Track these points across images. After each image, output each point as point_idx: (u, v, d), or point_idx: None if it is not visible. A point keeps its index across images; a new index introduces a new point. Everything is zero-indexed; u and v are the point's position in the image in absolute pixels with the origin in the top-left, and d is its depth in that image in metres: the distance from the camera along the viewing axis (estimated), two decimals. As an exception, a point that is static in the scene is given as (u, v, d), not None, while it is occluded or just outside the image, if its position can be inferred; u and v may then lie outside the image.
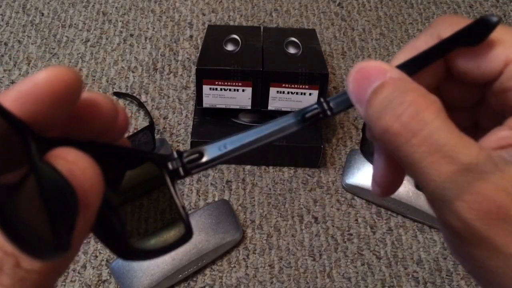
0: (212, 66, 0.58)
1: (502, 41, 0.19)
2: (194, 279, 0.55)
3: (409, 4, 0.85)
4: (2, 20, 0.80)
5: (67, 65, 0.75)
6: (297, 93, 0.60)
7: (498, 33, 0.19)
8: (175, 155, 0.19)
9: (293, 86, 0.59)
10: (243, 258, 0.57)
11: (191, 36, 0.79)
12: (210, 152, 0.20)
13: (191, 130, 0.64)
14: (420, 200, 0.58)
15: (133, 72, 0.74)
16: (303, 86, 0.59)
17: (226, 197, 0.61)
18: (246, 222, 0.59)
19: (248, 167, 0.64)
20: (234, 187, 0.62)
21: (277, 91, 0.60)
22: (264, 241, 0.58)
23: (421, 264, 0.57)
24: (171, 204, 0.19)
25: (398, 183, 0.23)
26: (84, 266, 0.55)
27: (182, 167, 0.19)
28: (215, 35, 0.65)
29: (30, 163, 0.13)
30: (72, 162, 0.14)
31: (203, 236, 0.54)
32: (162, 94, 0.71)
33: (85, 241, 0.57)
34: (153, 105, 0.70)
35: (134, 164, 0.20)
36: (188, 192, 0.61)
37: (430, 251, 0.57)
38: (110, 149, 0.18)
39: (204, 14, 0.82)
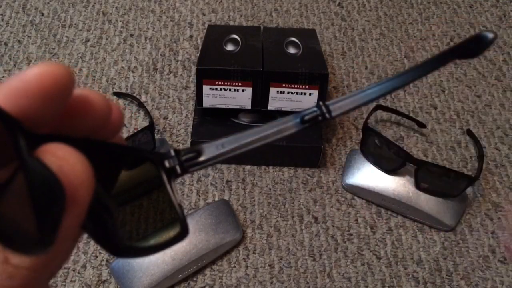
0: (212, 66, 0.58)
1: None
2: (194, 279, 0.55)
3: (409, 4, 0.85)
4: (2, 20, 0.80)
5: (67, 65, 0.75)
6: (297, 93, 0.60)
7: None
8: (173, 153, 0.19)
9: (293, 86, 0.59)
10: (243, 258, 0.57)
11: (191, 36, 0.79)
12: (207, 151, 0.20)
13: (191, 130, 0.64)
14: (420, 200, 0.58)
15: (133, 72, 0.74)
16: (303, 86, 0.59)
17: (226, 197, 0.61)
18: (246, 222, 0.59)
19: (248, 167, 0.64)
20: (234, 187, 0.62)
21: (277, 91, 0.60)
22: (264, 241, 0.58)
23: (421, 264, 0.57)
24: (167, 202, 0.19)
25: None
26: (84, 266, 0.55)
27: (179, 165, 0.19)
28: (215, 35, 0.65)
29: (19, 158, 0.13)
30: (62, 158, 0.14)
31: (203, 236, 0.54)
32: (162, 94, 0.71)
33: (85, 241, 0.57)
34: (153, 105, 0.70)
35: (130, 162, 0.20)
36: (188, 192, 0.61)
37: (430, 251, 0.57)
38: (104, 147, 0.18)
39: (204, 14, 0.82)
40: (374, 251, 0.57)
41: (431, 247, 0.58)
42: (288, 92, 0.60)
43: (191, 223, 0.54)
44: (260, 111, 0.63)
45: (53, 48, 0.76)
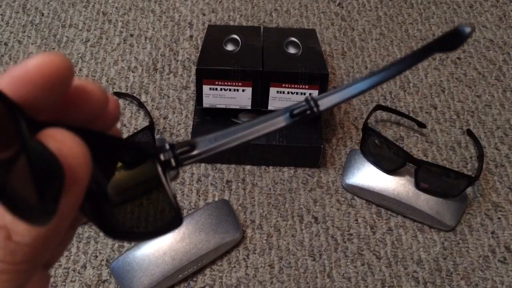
0: (212, 66, 0.58)
1: None
2: (194, 279, 0.55)
3: (409, 4, 0.85)
4: (2, 20, 0.80)
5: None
6: (297, 93, 0.60)
7: None
8: (167, 147, 0.20)
9: (293, 86, 0.59)
10: (243, 258, 0.57)
11: (191, 36, 0.79)
12: (201, 145, 0.21)
13: (191, 130, 0.64)
14: (420, 200, 0.58)
15: (133, 72, 0.74)
16: (303, 86, 0.59)
17: (226, 197, 0.61)
18: (246, 222, 0.59)
19: (248, 167, 0.64)
20: (234, 187, 0.62)
21: (277, 91, 0.60)
22: (264, 241, 0.58)
23: (421, 264, 0.57)
24: (163, 193, 0.20)
25: None
26: (84, 266, 0.55)
27: (174, 158, 0.20)
28: (215, 35, 0.65)
29: (21, 140, 0.14)
30: (61, 141, 0.15)
31: (203, 236, 0.54)
32: (162, 94, 0.71)
33: (85, 241, 0.57)
34: (153, 105, 0.70)
35: (127, 154, 0.20)
36: (188, 192, 0.61)
37: (430, 251, 0.57)
38: (101, 137, 0.19)
39: (204, 14, 0.82)
40: (374, 251, 0.57)
41: (431, 247, 0.58)
42: (288, 92, 0.60)
43: (191, 223, 0.54)
44: (260, 111, 0.63)
45: (53, 48, 0.76)
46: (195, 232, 0.54)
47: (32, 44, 0.77)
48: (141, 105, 0.69)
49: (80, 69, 0.74)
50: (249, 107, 0.61)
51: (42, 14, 0.81)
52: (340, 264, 0.56)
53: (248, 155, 0.63)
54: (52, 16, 0.81)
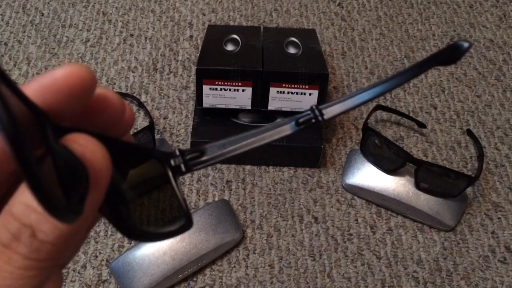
0: (212, 66, 0.58)
1: None
2: (194, 279, 0.55)
3: (409, 4, 0.85)
4: (2, 20, 0.80)
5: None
6: (297, 93, 0.60)
7: None
8: (177, 152, 0.21)
9: (293, 86, 0.59)
10: (243, 258, 0.57)
11: (191, 36, 0.79)
12: (210, 151, 0.21)
13: (191, 130, 0.64)
14: (420, 200, 0.58)
15: (133, 72, 0.74)
16: (303, 86, 0.59)
17: (226, 197, 0.61)
18: (246, 222, 0.59)
19: (248, 167, 0.64)
20: (234, 187, 0.62)
21: (277, 91, 0.60)
22: (264, 241, 0.58)
23: (421, 264, 0.57)
24: (173, 197, 0.21)
25: None
26: (84, 266, 0.55)
27: (183, 164, 0.21)
28: (215, 35, 0.65)
29: (46, 143, 0.15)
30: (84, 145, 0.16)
31: (203, 236, 0.54)
32: (162, 94, 0.71)
33: (85, 241, 0.57)
34: (153, 105, 0.70)
35: (139, 159, 0.21)
36: (188, 192, 0.61)
37: (430, 251, 0.57)
38: (116, 143, 0.20)
39: (204, 14, 0.82)
40: (374, 251, 0.57)
41: (431, 247, 0.58)
42: (288, 92, 0.60)
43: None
44: (260, 111, 0.63)
45: (53, 48, 0.76)
46: (195, 232, 0.54)
47: (32, 44, 0.77)
48: (141, 105, 0.69)
49: (80, 69, 0.74)
50: (249, 107, 0.61)
51: (42, 14, 0.81)
52: (340, 264, 0.56)
53: (248, 155, 0.63)
54: (52, 16, 0.81)
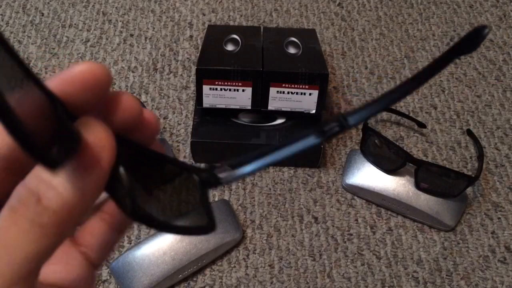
0: (212, 66, 0.58)
1: None
2: (194, 279, 0.55)
3: (409, 4, 0.85)
4: (2, 20, 0.80)
5: (66, 65, 0.75)
6: (297, 93, 0.60)
7: None
8: (208, 167, 0.22)
9: (293, 86, 0.59)
10: (243, 258, 0.57)
11: (191, 36, 0.79)
12: (240, 169, 0.22)
13: (191, 130, 0.64)
14: (420, 200, 0.58)
15: (133, 72, 0.74)
16: (303, 86, 0.59)
17: (226, 197, 0.61)
18: (246, 222, 0.59)
19: (248, 167, 0.64)
20: (234, 187, 0.62)
21: (277, 91, 0.60)
22: (264, 241, 0.58)
23: (421, 264, 0.57)
24: (199, 203, 0.22)
25: None
26: (84, 266, 0.55)
27: (214, 179, 0.22)
28: (215, 35, 0.65)
29: (58, 121, 0.17)
30: (91, 125, 0.17)
31: (203, 236, 0.54)
32: (162, 94, 0.71)
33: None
34: (153, 105, 0.70)
35: (168, 170, 0.22)
36: (188, 192, 0.61)
37: (430, 251, 0.57)
38: (141, 149, 0.21)
39: (204, 14, 0.82)
40: (374, 251, 0.57)
41: (431, 247, 0.58)
42: (288, 92, 0.60)
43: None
44: (260, 111, 0.63)
45: (53, 48, 0.76)
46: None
47: (32, 44, 0.77)
48: (141, 105, 0.68)
49: (80, 69, 0.74)
50: (249, 107, 0.61)
51: (42, 14, 0.81)
52: (340, 264, 0.56)
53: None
54: (52, 16, 0.81)
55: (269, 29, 0.68)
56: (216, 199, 0.61)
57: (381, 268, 0.56)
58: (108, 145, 0.17)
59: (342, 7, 0.84)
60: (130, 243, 0.57)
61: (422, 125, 0.67)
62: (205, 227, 0.21)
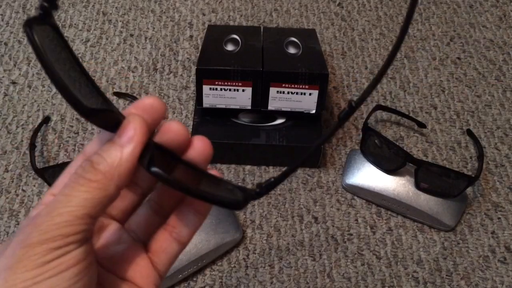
0: (212, 66, 0.58)
1: None
2: (194, 279, 0.55)
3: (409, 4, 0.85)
4: (2, 20, 0.80)
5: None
6: (297, 93, 0.60)
7: None
8: (258, 190, 0.26)
9: (293, 86, 0.59)
10: (243, 258, 0.57)
11: (191, 36, 0.79)
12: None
13: (191, 130, 0.64)
14: (420, 200, 0.58)
15: (133, 72, 0.74)
16: (303, 86, 0.59)
17: (226, 197, 0.61)
18: (246, 222, 0.59)
19: (248, 167, 0.64)
20: (234, 187, 0.62)
21: (277, 91, 0.60)
22: (264, 241, 0.58)
23: (421, 264, 0.57)
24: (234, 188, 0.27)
25: None
26: (84, 266, 0.55)
27: (257, 194, 0.26)
28: (215, 35, 0.65)
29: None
30: (131, 113, 0.25)
31: (203, 236, 0.54)
32: (162, 94, 0.71)
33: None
34: (153, 105, 0.70)
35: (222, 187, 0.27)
36: (188, 192, 0.61)
37: (430, 251, 0.57)
38: (187, 163, 0.27)
39: (204, 14, 0.82)
40: (374, 251, 0.57)
41: (431, 247, 0.58)
42: (288, 92, 0.60)
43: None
44: (260, 111, 0.63)
45: (53, 48, 0.76)
46: (195, 232, 0.54)
47: (32, 44, 0.77)
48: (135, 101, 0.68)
49: (80, 69, 0.74)
50: (249, 107, 0.61)
51: (42, 14, 0.81)
52: (340, 264, 0.56)
53: (248, 155, 0.63)
54: (52, 16, 0.81)
55: (269, 29, 0.68)
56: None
57: (381, 268, 0.56)
58: (139, 128, 0.24)
59: (342, 7, 0.84)
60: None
61: (422, 125, 0.67)
62: (233, 204, 0.25)
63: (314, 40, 0.65)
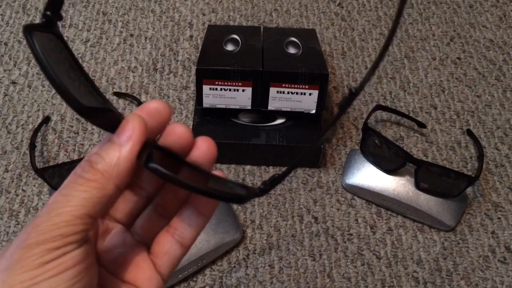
0: (212, 66, 0.58)
1: None
2: (194, 279, 0.55)
3: (409, 4, 0.85)
4: (2, 20, 0.80)
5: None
6: (297, 93, 0.60)
7: None
8: (262, 186, 0.26)
9: (293, 86, 0.59)
10: (243, 258, 0.57)
11: (191, 36, 0.79)
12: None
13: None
14: (420, 200, 0.58)
15: (133, 72, 0.74)
16: (303, 86, 0.59)
17: (226, 197, 0.61)
18: (246, 222, 0.59)
19: (248, 167, 0.64)
20: (234, 187, 0.62)
21: (277, 91, 0.60)
22: (264, 241, 0.58)
23: (421, 264, 0.57)
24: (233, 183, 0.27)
25: None
26: (84, 266, 0.55)
27: (262, 190, 0.26)
28: (215, 35, 0.65)
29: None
30: (132, 115, 0.25)
31: (203, 236, 0.54)
32: (162, 94, 0.71)
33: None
34: (153, 105, 0.70)
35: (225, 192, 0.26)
36: (188, 192, 0.61)
37: (430, 251, 0.57)
38: (190, 164, 0.27)
39: (204, 14, 0.82)
40: (374, 251, 0.57)
41: (431, 247, 0.58)
42: (288, 92, 0.60)
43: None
44: (260, 111, 0.63)
45: (53, 48, 0.76)
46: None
47: (32, 44, 0.77)
48: (141, 105, 0.69)
49: (80, 69, 0.74)
50: (249, 107, 0.61)
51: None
52: (340, 264, 0.56)
53: (248, 155, 0.63)
54: (52, 16, 0.81)
55: (269, 29, 0.68)
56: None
57: (381, 268, 0.56)
58: (137, 127, 0.24)
59: (342, 7, 0.84)
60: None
61: (422, 125, 0.67)
62: (237, 198, 0.25)
63: (314, 40, 0.65)
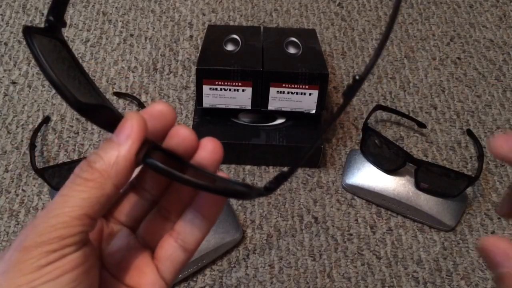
0: (212, 66, 0.58)
1: None
2: (194, 279, 0.55)
3: (409, 4, 0.85)
4: (2, 20, 0.80)
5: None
6: (297, 93, 0.60)
7: None
8: (267, 185, 0.26)
9: (293, 86, 0.59)
10: (243, 258, 0.57)
11: (191, 36, 0.79)
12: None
13: (191, 130, 0.64)
14: (420, 200, 0.58)
15: (133, 72, 0.74)
16: (303, 86, 0.59)
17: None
18: (246, 222, 0.59)
19: (248, 167, 0.64)
20: (234, 187, 0.62)
21: (277, 91, 0.60)
22: (264, 241, 0.58)
23: (421, 264, 0.57)
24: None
25: None
26: (84, 266, 0.55)
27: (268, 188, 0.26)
28: (215, 35, 0.65)
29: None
30: (131, 114, 0.24)
31: (203, 236, 0.54)
32: (162, 94, 0.71)
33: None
34: (153, 105, 0.70)
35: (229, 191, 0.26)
36: (188, 192, 0.61)
37: (430, 251, 0.57)
38: (193, 166, 0.26)
39: (204, 14, 0.82)
40: (374, 251, 0.57)
41: (431, 247, 0.58)
42: (288, 92, 0.60)
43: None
44: (260, 111, 0.63)
45: (53, 48, 0.76)
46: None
47: (32, 44, 0.77)
48: (141, 105, 0.69)
49: (80, 69, 0.74)
50: (249, 107, 0.61)
51: (42, 14, 0.81)
52: (340, 264, 0.56)
53: (248, 155, 0.63)
54: (52, 16, 0.81)
55: (269, 29, 0.68)
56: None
57: (381, 268, 0.56)
58: (136, 126, 0.23)
59: (342, 7, 0.84)
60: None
61: (422, 125, 0.67)
62: (242, 194, 0.25)
63: (314, 40, 0.65)
